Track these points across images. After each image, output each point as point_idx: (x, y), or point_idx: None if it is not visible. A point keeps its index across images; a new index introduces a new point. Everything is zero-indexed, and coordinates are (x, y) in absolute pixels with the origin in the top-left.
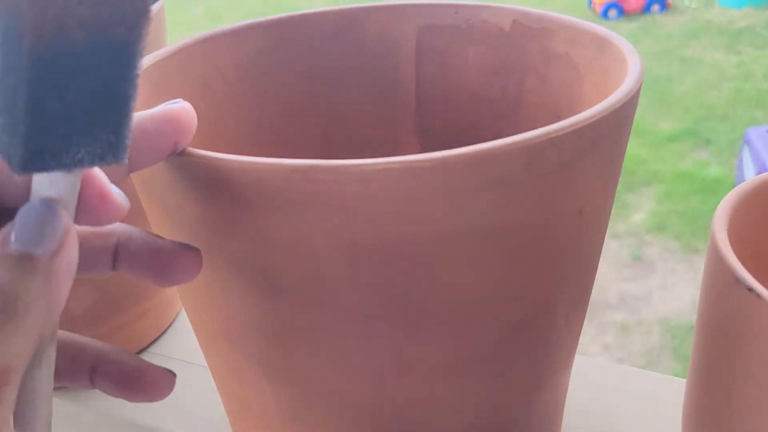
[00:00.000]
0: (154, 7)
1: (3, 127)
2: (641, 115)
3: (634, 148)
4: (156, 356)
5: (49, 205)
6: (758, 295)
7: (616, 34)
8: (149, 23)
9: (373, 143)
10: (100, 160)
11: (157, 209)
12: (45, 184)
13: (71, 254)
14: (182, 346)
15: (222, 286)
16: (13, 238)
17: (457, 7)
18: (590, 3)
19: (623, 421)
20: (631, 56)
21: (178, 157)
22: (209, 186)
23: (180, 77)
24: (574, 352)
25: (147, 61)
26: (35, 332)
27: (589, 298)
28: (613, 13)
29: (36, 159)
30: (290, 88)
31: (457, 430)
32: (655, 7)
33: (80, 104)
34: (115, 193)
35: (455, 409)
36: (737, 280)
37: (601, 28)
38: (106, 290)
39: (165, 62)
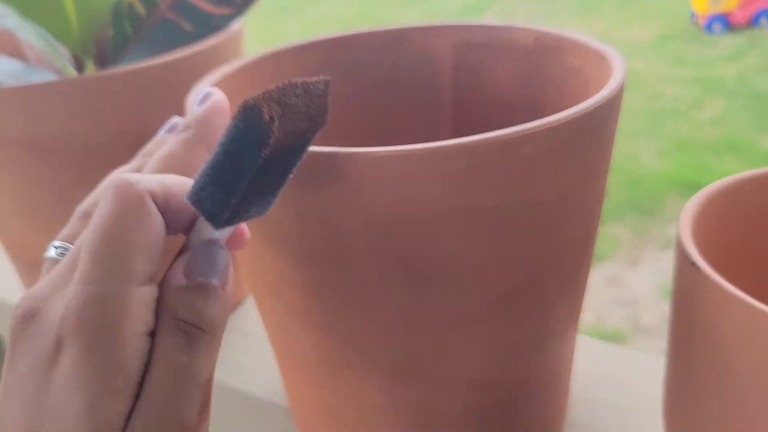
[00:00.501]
0: (234, 27)
1: (212, 195)
2: (742, 131)
3: (733, 164)
4: (233, 328)
5: (219, 245)
6: (700, 269)
7: (614, 50)
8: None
9: (416, 142)
10: (260, 214)
11: None
12: (212, 228)
13: (232, 282)
14: (251, 321)
15: (268, 251)
16: (196, 272)
17: (489, 28)
18: (693, 16)
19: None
20: (618, 70)
21: None
22: None
23: (252, 86)
24: (573, 323)
25: (223, 71)
26: (219, 347)
27: (584, 277)
28: (717, 26)
29: (233, 220)
30: (346, 95)
31: (463, 381)
32: (764, 21)
33: (271, 181)
34: (246, 229)
35: (459, 364)
36: (688, 259)
37: (602, 46)
38: None
39: (237, 74)
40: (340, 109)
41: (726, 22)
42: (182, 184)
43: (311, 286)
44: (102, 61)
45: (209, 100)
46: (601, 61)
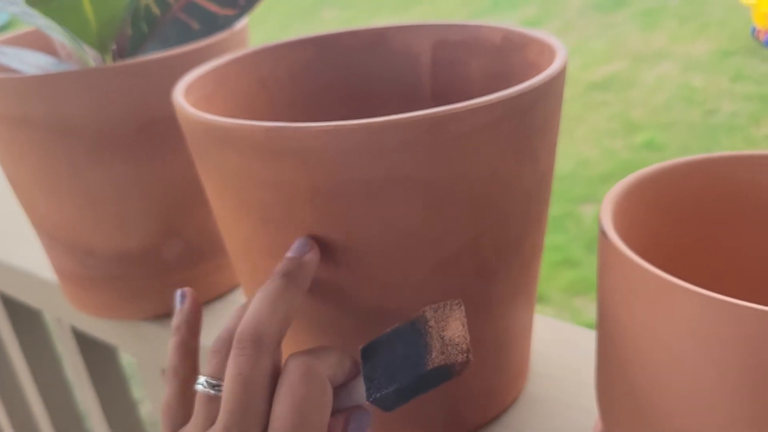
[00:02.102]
0: (238, 26)
1: (394, 402)
2: None
3: None
4: (232, 303)
5: (367, 412)
6: (607, 237)
7: (560, 44)
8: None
9: None
10: None
11: (198, 162)
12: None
13: None
14: None
15: (234, 216)
16: (353, 431)
17: (463, 27)
18: (754, 32)
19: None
20: (560, 60)
21: (205, 120)
22: (223, 141)
23: (243, 77)
24: (520, 298)
25: (216, 62)
26: None
27: (528, 253)
28: None
29: (396, 406)
30: (332, 89)
31: None
32: None
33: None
34: None
35: None
36: (600, 230)
37: (555, 41)
38: (193, 242)
39: (230, 65)
40: (326, 102)
41: None
42: (342, 365)
43: (272, 247)
44: (122, 57)
45: (311, 253)
46: (552, 55)
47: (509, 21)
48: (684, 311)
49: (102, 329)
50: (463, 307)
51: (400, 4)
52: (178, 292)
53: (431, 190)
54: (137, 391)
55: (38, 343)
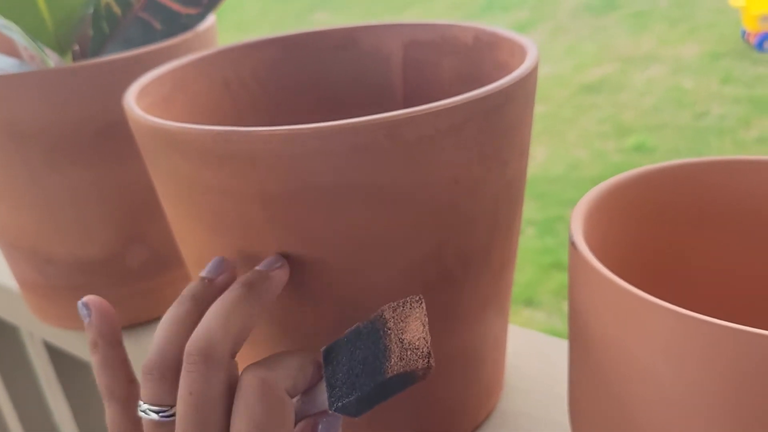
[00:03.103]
0: (203, 26)
1: (357, 409)
2: None
3: None
4: None
5: (335, 416)
6: (577, 248)
7: (533, 44)
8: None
9: None
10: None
11: (150, 168)
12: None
13: None
14: None
15: (187, 224)
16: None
17: (434, 26)
18: (744, 34)
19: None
20: (530, 60)
21: (152, 124)
22: (171, 146)
23: (204, 79)
24: (490, 310)
25: (174, 63)
26: None
27: (498, 262)
28: None
29: (362, 412)
30: (299, 91)
31: None
32: None
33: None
34: None
35: None
36: (570, 240)
37: (526, 41)
38: (157, 250)
39: (190, 66)
40: (293, 104)
41: None
42: (303, 371)
43: (226, 255)
44: (84, 59)
45: (279, 269)
46: (523, 55)
47: (501, 24)
48: (656, 327)
49: (71, 342)
50: (423, 305)
51: (392, 8)
52: (80, 304)
53: (390, 197)
54: None
55: (13, 357)
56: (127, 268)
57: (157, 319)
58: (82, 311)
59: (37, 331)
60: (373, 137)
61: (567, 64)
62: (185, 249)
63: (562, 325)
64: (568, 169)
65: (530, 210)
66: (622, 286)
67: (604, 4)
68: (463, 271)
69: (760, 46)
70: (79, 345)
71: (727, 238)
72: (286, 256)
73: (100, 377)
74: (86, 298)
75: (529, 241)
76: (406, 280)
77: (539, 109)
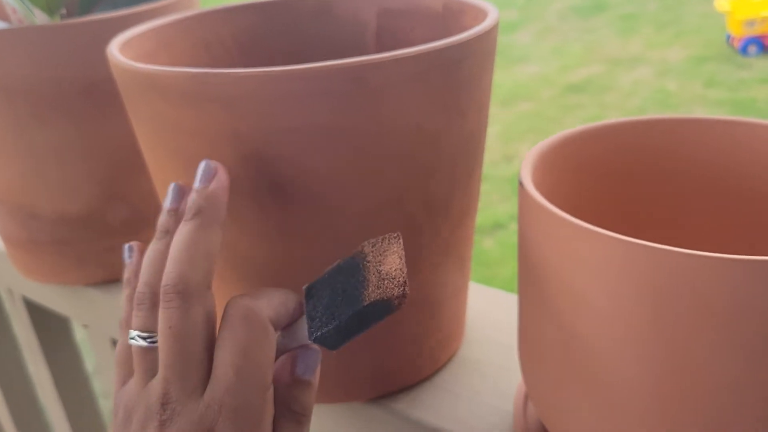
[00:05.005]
0: None
1: (335, 341)
2: None
3: None
4: None
5: (314, 349)
6: (523, 186)
7: (494, 8)
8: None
9: None
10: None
11: (131, 115)
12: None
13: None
14: None
15: (166, 167)
16: (301, 372)
17: None
18: (729, 39)
19: None
20: (490, 20)
21: (133, 68)
22: (151, 88)
23: (186, 39)
24: (451, 258)
25: (157, 21)
26: None
27: (459, 212)
28: (753, 49)
29: (340, 344)
30: (277, 56)
31: None
32: None
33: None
34: None
35: None
36: (519, 182)
37: (490, 7)
38: (138, 207)
39: (172, 25)
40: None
41: (762, 45)
42: (285, 305)
43: None
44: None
45: (216, 179)
46: (485, 19)
47: None
48: (587, 251)
49: (51, 298)
50: (401, 241)
51: None
52: (126, 246)
53: (354, 140)
54: (90, 366)
55: None
56: (107, 225)
57: None
58: (126, 252)
59: (17, 287)
60: (340, 81)
61: (553, 65)
62: (164, 193)
63: None
64: None
65: (513, 206)
66: (560, 215)
67: (592, 6)
68: (425, 218)
69: (744, 50)
70: (60, 300)
71: (668, 189)
72: (256, 196)
73: (124, 310)
74: (134, 243)
75: (512, 236)
76: (369, 224)
77: (525, 107)
